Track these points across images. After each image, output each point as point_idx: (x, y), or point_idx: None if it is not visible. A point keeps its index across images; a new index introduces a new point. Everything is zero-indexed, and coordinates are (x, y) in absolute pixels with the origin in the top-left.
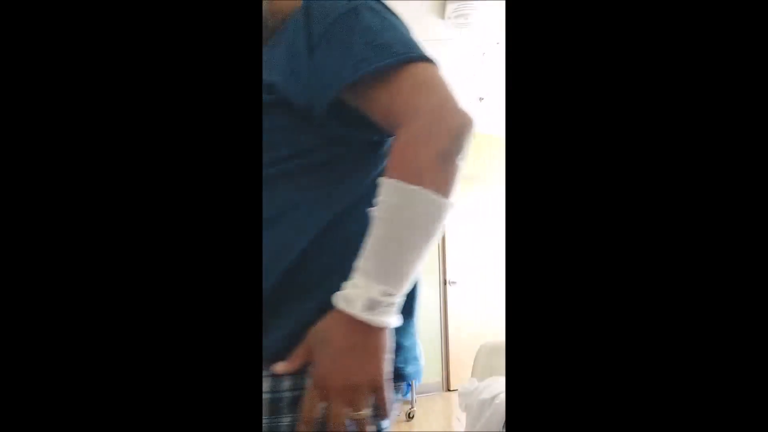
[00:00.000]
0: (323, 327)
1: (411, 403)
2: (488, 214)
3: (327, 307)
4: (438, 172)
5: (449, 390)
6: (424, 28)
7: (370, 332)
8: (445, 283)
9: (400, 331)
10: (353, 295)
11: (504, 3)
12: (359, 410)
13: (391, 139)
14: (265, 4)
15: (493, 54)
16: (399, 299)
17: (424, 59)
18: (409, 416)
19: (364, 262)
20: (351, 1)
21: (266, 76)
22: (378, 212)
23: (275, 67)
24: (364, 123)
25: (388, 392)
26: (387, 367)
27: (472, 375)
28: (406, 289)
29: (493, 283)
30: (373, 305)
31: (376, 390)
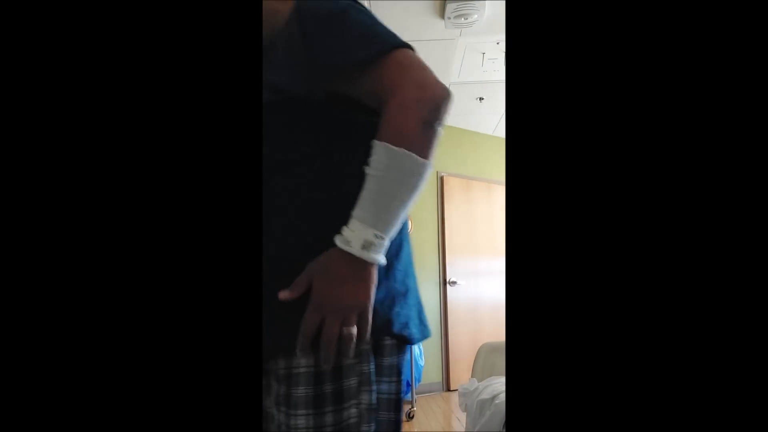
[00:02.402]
0: (323, 261)
1: (411, 403)
2: (488, 214)
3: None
4: (419, 137)
5: (449, 390)
6: (424, 28)
7: (363, 267)
8: (445, 283)
9: (403, 303)
10: (351, 237)
11: (504, 3)
12: (349, 326)
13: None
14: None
15: (493, 54)
16: (387, 242)
17: (406, 46)
18: (409, 416)
19: (359, 210)
20: (339, 2)
21: (270, 77)
22: (370, 170)
23: (278, 68)
24: (359, 107)
25: (371, 316)
26: (373, 296)
27: (472, 375)
28: (392, 233)
29: (493, 283)
30: (366, 245)
31: (363, 312)
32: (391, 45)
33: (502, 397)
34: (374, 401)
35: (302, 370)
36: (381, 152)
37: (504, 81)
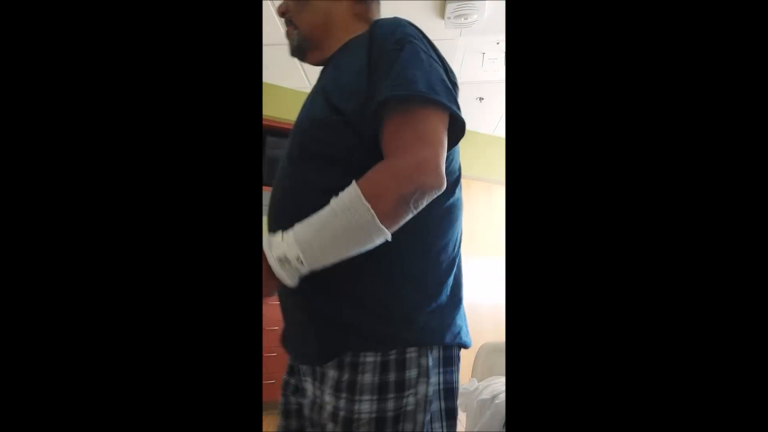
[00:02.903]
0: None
1: None
2: (488, 214)
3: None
4: (391, 209)
5: None
6: (424, 28)
7: (270, 275)
8: None
9: (456, 313)
10: (276, 245)
11: (504, 3)
12: None
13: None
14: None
15: (493, 54)
16: (304, 271)
17: (439, 105)
18: None
19: (301, 227)
20: (402, 36)
21: (336, 97)
22: (334, 203)
23: (342, 88)
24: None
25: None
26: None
27: (472, 375)
28: (312, 267)
29: (493, 283)
30: (283, 261)
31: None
32: (420, 96)
33: (502, 397)
34: (430, 393)
35: (369, 359)
36: (352, 197)
37: (504, 81)
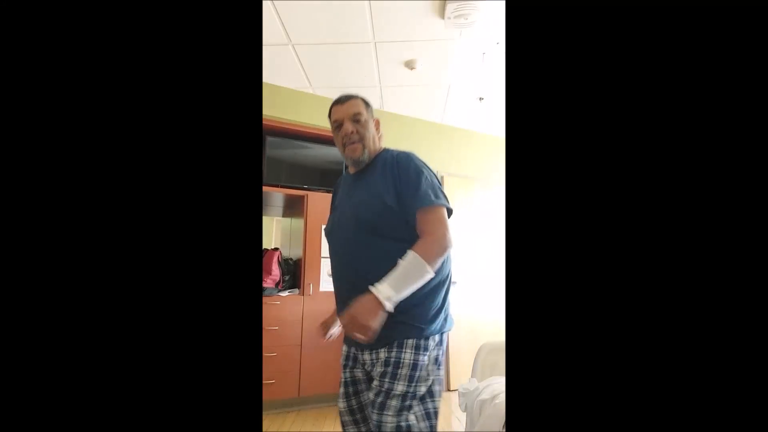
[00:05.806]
0: (362, 299)
1: None
2: (488, 214)
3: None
4: (433, 261)
5: (449, 390)
6: (424, 28)
7: (380, 308)
8: None
9: (446, 314)
10: (380, 291)
11: (504, 3)
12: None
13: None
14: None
15: (493, 54)
16: (395, 302)
17: (443, 205)
18: None
19: (391, 280)
20: (416, 167)
21: (386, 196)
22: (403, 263)
23: (392, 196)
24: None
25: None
26: (376, 327)
27: (472, 375)
28: (401, 299)
29: (493, 283)
30: (389, 299)
31: (369, 329)
32: (438, 203)
33: (502, 397)
34: (440, 356)
35: (409, 341)
36: (412, 257)
37: (504, 81)
